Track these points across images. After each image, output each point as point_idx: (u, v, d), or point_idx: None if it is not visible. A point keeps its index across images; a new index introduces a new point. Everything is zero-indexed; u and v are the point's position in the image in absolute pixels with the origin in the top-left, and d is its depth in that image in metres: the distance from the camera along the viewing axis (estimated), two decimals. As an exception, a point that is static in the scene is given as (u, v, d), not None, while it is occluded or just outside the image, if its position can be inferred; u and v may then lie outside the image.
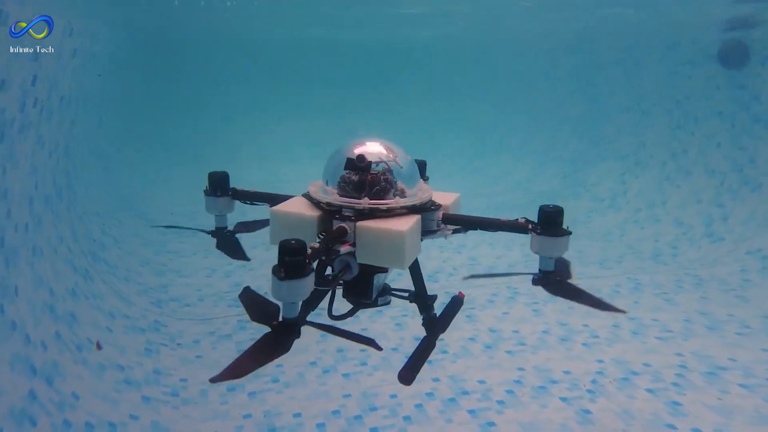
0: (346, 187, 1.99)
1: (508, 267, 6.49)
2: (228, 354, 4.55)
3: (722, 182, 7.69)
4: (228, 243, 2.63)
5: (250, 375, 1.64)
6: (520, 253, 6.79)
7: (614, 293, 5.87)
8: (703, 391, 4.00)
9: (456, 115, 15.37)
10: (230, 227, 2.73)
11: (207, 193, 2.56)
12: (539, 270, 2.16)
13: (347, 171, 2.00)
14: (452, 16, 11.33)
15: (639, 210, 8.49)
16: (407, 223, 1.91)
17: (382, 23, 12.65)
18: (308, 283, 1.62)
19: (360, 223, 1.88)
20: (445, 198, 2.26)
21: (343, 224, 1.89)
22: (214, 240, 2.65)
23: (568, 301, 2.09)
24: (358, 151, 2.01)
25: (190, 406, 3.84)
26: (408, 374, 2.13)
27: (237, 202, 2.63)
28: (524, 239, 2.16)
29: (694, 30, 8.52)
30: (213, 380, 1.63)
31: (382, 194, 1.98)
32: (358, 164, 1.96)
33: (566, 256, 2.27)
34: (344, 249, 1.86)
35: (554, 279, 2.11)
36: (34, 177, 4.21)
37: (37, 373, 3.22)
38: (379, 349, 1.99)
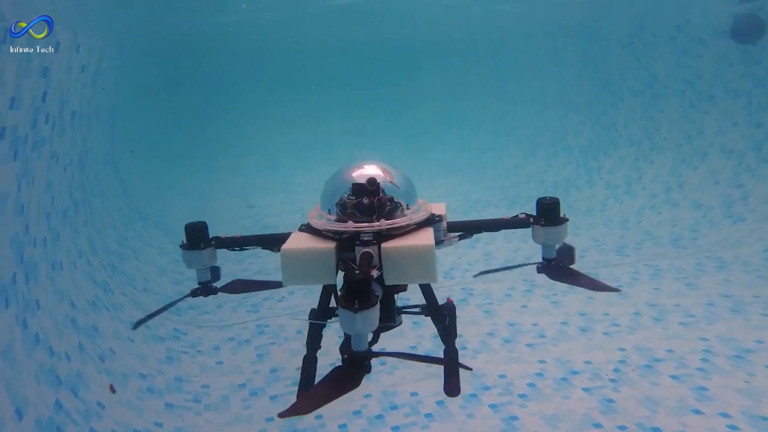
0: (353, 213, 1.96)
1: (525, 259, 6.39)
2: (248, 359, 4.59)
3: (740, 162, 7.50)
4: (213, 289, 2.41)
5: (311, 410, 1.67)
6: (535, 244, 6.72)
7: (633, 280, 5.76)
8: (730, 374, 3.90)
9: (464, 110, 15.30)
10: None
11: (186, 247, 2.30)
12: (542, 258, 2.29)
13: (351, 197, 1.97)
14: (457, 11, 11.26)
15: (655, 195, 8.33)
16: (429, 237, 1.92)
17: (389, 22, 12.62)
18: (377, 313, 1.62)
19: (385, 245, 1.86)
20: (437, 209, 2.29)
21: (367, 249, 1.86)
22: (203, 291, 2.41)
23: (575, 287, 2.19)
24: (356, 175, 2.02)
25: (213, 411, 3.88)
26: (454, 386, 2.21)
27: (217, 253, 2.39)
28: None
29: (704, 6, 8.30)
30: (281, 415, 1.67)
31: (392, 214, 1.98)
32: (370, 188, 1.95)
33: (582, 243, 2.36)
34: (373, 274, 1.84)
35: (556, 266, 2.25)
36: (50, 192, 4.30)
37: (63, 383, 3.29)
38: (468, 368, 2.06)
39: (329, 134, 15.00)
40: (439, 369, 2.60)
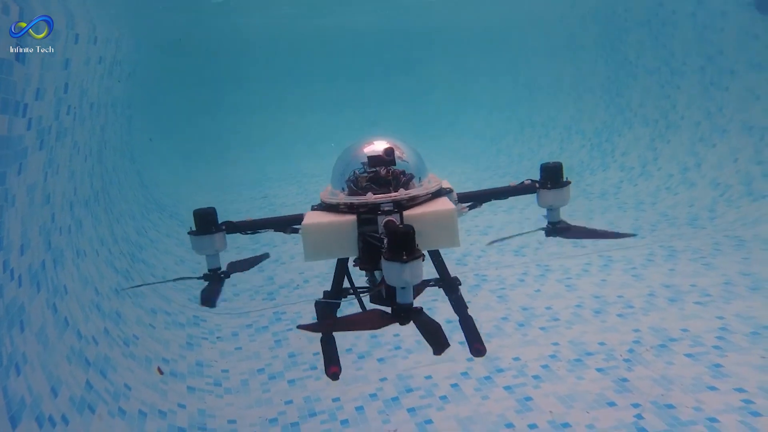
0: (370, 186, 1.97)
1: (538, 245, 6.39)
2: (266, 345, 4.70)
3: (762, 137, 7.29)
4: (214, 289, 2.37)
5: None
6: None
7: (648, 262, 5.72)
8: (747, 351, 3.90)
9: (478, 96, 15.12)
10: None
11: (195, 232, 2.30)
12: (548, 223, 2.36)
13: (365, 172, 1.99)
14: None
15: (671, 176, 8.19)
16: (449, 203, 1.95)
17: (401, 8, 12.45)
18: (422, 265, 1.65)
19: (407, 213, 1.88)
20: (444, 184, 2.32)
21: (390, 218, 1.86)
22: (205, 283, 2.38)
23: (581, 241, 2.29)
24: (367, 150, 2.04)
25: (233, 394, 4.00)
26: (479, 346, 2.27)
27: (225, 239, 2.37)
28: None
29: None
30: (300, 326, 1.78)
31: (407, 185, 2.01)
32: (387, 158, 1.97)
33: (597, 227, 2.47)
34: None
35: (563, 227, 2.34)
36: (73, 182, 4.41)
37: (91, 365, 3.43)
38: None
39: (341, 125, 15.00)
40: (456, 354, 2.65)
